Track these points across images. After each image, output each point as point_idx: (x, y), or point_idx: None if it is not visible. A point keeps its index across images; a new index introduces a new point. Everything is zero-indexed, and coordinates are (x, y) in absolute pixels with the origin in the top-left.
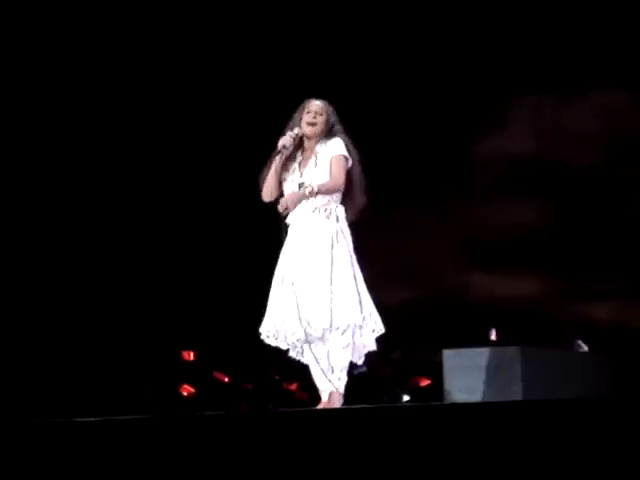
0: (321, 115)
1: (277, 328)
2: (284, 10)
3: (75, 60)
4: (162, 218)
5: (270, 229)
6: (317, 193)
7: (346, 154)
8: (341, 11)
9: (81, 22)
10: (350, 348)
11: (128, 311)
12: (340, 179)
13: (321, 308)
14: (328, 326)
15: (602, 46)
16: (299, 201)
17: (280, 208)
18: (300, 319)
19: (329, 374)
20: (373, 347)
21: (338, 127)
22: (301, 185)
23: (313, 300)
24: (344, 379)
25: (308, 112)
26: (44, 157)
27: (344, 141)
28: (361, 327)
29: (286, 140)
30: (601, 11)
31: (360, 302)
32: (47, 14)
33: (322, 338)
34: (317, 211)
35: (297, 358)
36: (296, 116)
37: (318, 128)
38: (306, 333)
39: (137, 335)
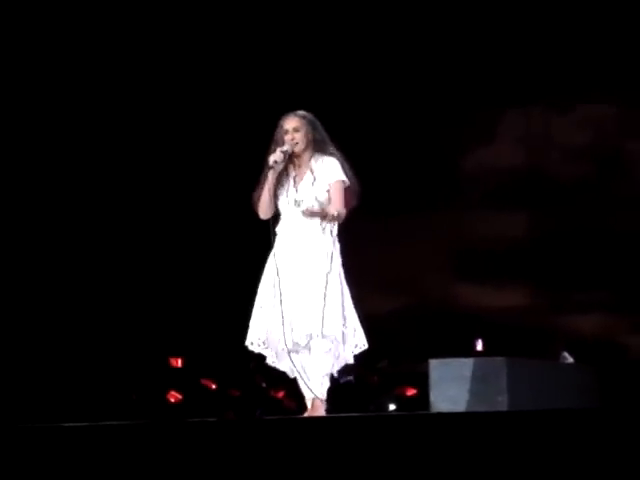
0: (298, 132)
1: (266, 336)
2: (276, 21)
3: (75, 60)
4: (151, 227)
5: (257, 238)
6: (334, 219)
7: (344, 178)
8: (332, 24)
9: (81, 22)
10: (331, 354)
11: (116, 318)
12: (343, 209)
13: (308, 318)
14: (311, 333)
15: (590, 59)
16: (313, 217)
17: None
18: (285, 327)
19: (310, 381)
20: (351, 361)
21: (324, 137)
22: (297, 201)
23: (302, 310)
24: (326, 385)
25: (286, 132)
26: (40, 158)
27: (339, 161)
28: (344, 342)
29: (277, 156)
30: (589, 24)
31: (344, 317)
32: (47, 14)
33: (307, 347)
34: (312, 225)
35: (276, 367)
36: (276, 135)
37: (301, 144)
38: (293, 342)
39: (125, 341)
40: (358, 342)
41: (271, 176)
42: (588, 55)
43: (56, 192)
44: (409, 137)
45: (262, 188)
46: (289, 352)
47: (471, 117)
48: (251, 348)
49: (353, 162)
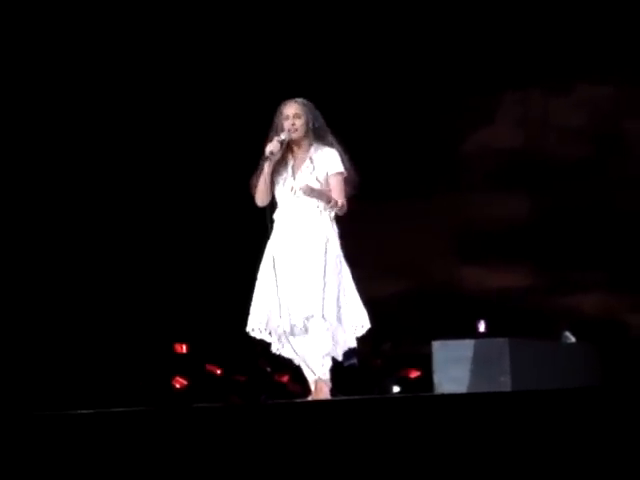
0: (299, 118)
1: (266, 320)
2: (272, 11)
3: (75, 60)
4: (155, 214)
5: (258, 224)
6: (336, 206)
7: (343, 170)
8: (329, 10)
9: (81, 22)
10: (329, 333)
11: (121, 304)
12: (345, 201)
13: (306, 300)
14: (310, 315)
15: (588, 40)
16: (320, 198)
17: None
18: (282, 311)
19: (311, 363)
20: (354, 344)
21: (323, 126)
22: (295, 190)
23: (300, 293)
24: (327, 365)
25: (286, 118)
26: (40, 158)
27: (338, 152)
28: (340, 322)
29: (274, 146)
30: (586, 4)
31: (342, 299)
32: (47, 14)
33: (304, 329)
34: (309, 210)
35: (281, 354)
36: (276, 121)
37: (300, 131)
38: (291, 325)
39: (130, 328)
40: (361, 322)
41: (267, 166)
42: (586, 36)
43: (60, 184)
44: (408, 120)
45: (259, 177)
46: (288, 336)
47: (470, 99)
48: (252, 334)
49: (353, 146)
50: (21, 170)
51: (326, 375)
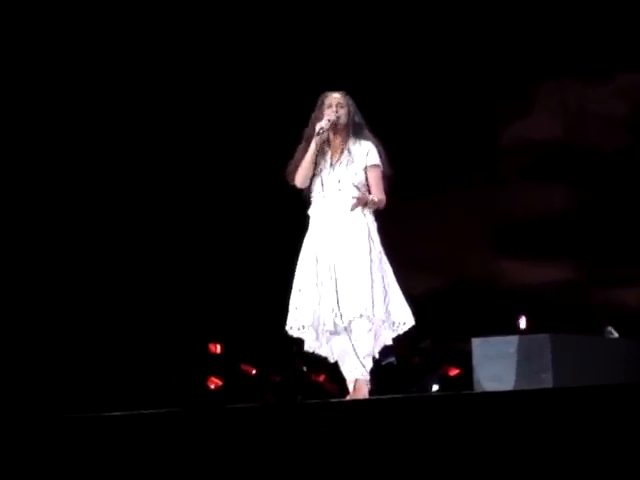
0: (343, 108)
1: (306, 319)
2: (293, 4)
3: (76, 60)
4: (191, 212)
5: (292, 221)
6: (376, 204)
7: (380, 164)
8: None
9: (81, 22)
10: (372, 334)
11: (157, 304)
12: (384, 195)
13: (355, 299)
14: (356, 314)
15: (627, 28)
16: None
17: (358, 204)
18: (326, 309)
19: (352, 362)
20: (389, 342)
21: (362, 121)
22: (336, 181)
23: (347, 292)
24: (368, 365)
25: (329, 106)
26: (49, 157)
27: (375, 145)
28: (383, 321)
29: (324, 124)
30: None
31: (385, 296)
32: (47, 14)
33: (347, 328)
34: (349, 205)
35: (316, 352)
36: (317, 111)
37: (343, 120)
38: (334, 324)
39: (165, 328)
40: (404, 320)
41: (315, 145)
42: (624, 23)
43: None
44: (444, 113)
45: (301, 157)
46: (330, 334)
47: (507, 90)
48: (290, 333)
49: (387, 139)
50: (37, 172)
51: (366, 375)
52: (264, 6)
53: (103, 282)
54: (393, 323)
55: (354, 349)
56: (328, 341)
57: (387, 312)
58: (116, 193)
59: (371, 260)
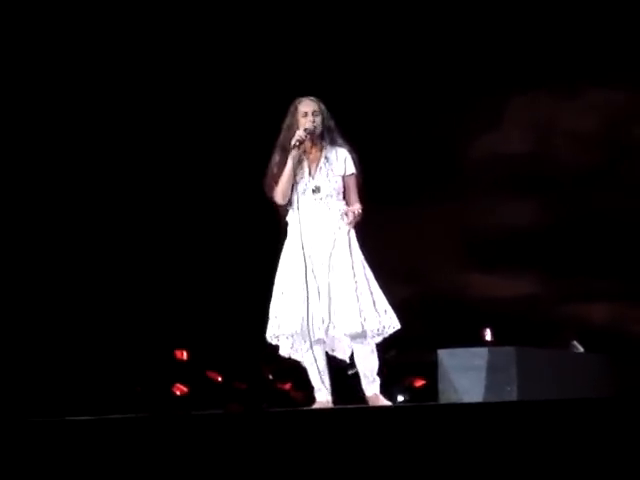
0: (318, 116)
1: (292, 327)
2: (277, 11)
3: (76, 60)
4: (156, 219)
5: (262, 230)
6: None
7: (356, 172)
8: (337, 10)
9: (81, 22)
10: (375, 350)
11: (122, 310)
12: (360, 204)
13: (345, 316)
14: (351, 332)
15: (598, 44)
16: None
17: (350, 221)
18: (315, 320)
19: (366, 381)
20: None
21: (334, 126)
22: (316, 188)
23: (339, 307)
24: (378, 381)
25: (304, 115)
26: (45, 157)
27: (350, 152)
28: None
29: (301, 135)
30: (596, 7)
31: (374, 304)
32: (47, 14)
33: (347, 344)
34: (329, 213)
35: (292, 357)
36: (291, 118)
37: (319, 129)
38: (330, 337)
39: (131, 334)
40: (390, 323)
41: (293, 158)
42: (595, 39)
43: (66, 186)
44: (414, 125)
45: (279, 171)
46: (312, 344)
47: (477, 104)
48: (271, 341)
49: (359, 153)
50: (26, 172)
51: (378, 389)
52: (234, 15)
53: (67, 289)
54: (384, 327)
55: (364, 372)
56: (311, 350)
57: (378, 318)
58: (83, 198)
59: (354, 273)
